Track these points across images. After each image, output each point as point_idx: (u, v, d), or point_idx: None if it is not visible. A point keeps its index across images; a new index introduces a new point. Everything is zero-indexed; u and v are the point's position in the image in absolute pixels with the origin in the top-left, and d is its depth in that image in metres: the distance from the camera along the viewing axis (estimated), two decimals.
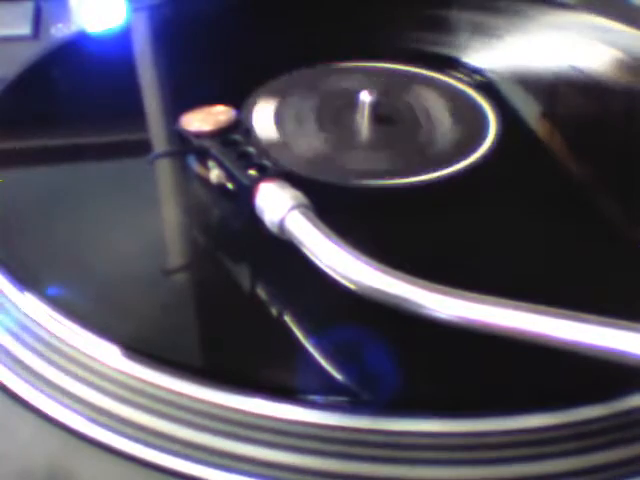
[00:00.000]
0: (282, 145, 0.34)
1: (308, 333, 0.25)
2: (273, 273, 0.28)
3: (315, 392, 0.24)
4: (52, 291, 0.27)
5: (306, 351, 0.25)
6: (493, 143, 0.34)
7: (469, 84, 0.39)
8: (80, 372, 0.25)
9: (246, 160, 0.29)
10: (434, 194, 0.32)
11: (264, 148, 0.30)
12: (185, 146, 0.31)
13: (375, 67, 0.39)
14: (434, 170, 0.33)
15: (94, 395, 0.24)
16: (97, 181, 0.32)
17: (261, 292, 0.28)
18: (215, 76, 0.38)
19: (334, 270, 0.25)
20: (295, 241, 0.26)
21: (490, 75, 0.40)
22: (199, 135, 0.31)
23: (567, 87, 0.40)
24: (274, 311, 0.27)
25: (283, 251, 0.27)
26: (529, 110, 0.38)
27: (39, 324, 0.26)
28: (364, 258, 0.24)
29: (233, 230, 0.31)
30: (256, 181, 0.28)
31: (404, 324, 0.24)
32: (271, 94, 0.37)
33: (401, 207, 0.32)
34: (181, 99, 0.35)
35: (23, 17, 0.44)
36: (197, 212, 0.31)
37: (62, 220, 0.30)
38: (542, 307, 0.22)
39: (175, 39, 0.41)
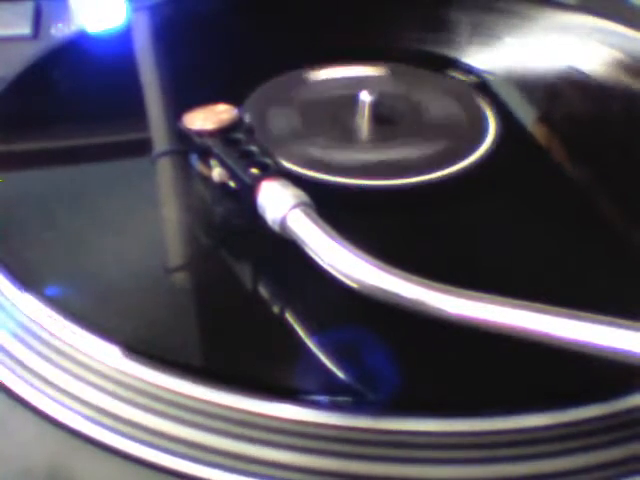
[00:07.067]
0: (283, 144, 0.34)
1: (309, 332, 0.25)
2: (275, 272, 0.28)
3: (316, 392, 0.24)
4: (52, 291, 0.27)
5: (307, 351, 0.25)
6: (492, 144, 0.34)
7: (468, 84, 0.39)
8: (80, 372, 0.25)
9: (248, 159, 0.29)
10: (434, 194, 0.32)
11: (265, 147, 0.30)
12: (187, 145, 0.31)
13: (375, 67, 0.39)
14: (434, 170, 0.33)
15: (94, 395, 0.24)
16: (98, 180, 0.32)
17: (262, 291, 0.28)
18: (216, 75, 0.38)
19: (336, 269, 0.25)
20: (297, 240, 0.26)
21: (489, 75, 0.40)
22: (201, 134, 0.31)
23: (566, 88, 0.40)
24: (275, 310, 0.27)
25: (285, 250, 0.27)
26: (528, 111, 0.38)
27: (39, 324, 0.26)
28: (366, 257, 0.24)
29: (235, 229, 0.31)
30: (258, 179, 0.28)
31: (405, 323, 0.24)
32: (272, 93, 0.37)
33: (401, 207, 0.32)
34: (183, 98, 0.35)
35: (23, 17, 0.44)
36: (199, 211, 0.31)
37: (62, 220, 0.30)
38: (542, 306, 0.22)
39: (176, 38, 0.41)
